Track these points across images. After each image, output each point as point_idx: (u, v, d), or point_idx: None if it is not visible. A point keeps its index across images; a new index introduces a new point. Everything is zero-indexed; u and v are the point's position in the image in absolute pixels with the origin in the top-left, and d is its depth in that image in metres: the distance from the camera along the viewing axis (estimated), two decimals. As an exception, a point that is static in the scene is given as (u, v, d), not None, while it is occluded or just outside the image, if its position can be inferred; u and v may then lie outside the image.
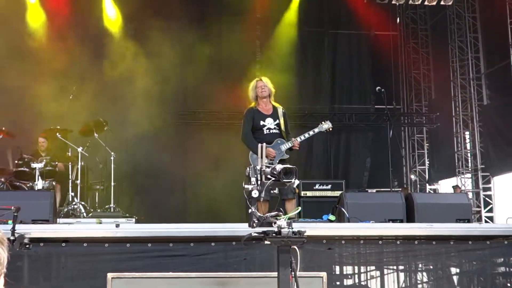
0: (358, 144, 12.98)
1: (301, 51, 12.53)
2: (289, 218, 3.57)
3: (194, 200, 11.60)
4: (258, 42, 12.36)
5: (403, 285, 5.05)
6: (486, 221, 11.65)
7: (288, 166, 3.52)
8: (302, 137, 6.56)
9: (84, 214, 8.21)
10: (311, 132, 6.64)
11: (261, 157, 3.64)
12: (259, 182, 3.51)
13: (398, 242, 5.02)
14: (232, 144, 11.61)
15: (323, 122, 6.84)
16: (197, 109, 12.02)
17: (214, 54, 11.96)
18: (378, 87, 8.11)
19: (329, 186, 9.12)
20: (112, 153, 8.99)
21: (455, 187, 11.94)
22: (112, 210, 8.59)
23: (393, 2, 12.05)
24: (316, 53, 12.76)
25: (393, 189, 8.64)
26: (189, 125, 11.97)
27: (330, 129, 6.84)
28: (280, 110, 6.62)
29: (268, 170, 3.48)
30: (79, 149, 8.69)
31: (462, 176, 12.58)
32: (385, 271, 5.06)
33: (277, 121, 6.54)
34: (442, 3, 12.05)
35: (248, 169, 3.82)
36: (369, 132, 12.94)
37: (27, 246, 4.33)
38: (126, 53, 11.43)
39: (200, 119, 12.05)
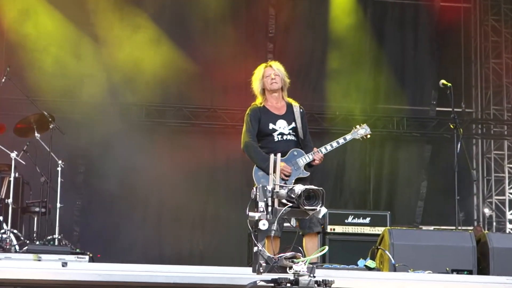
0: (410, 160, 12.95)
1: (332, 25, 12.54)
2: (311, 262, 3.57)
3: (175, 233, 11.58)
4: (272, 10, 12.39)
5: None
6: None
7: (312, 187, 3.52)
8: (329, 147, 6.58)
9: (17, 247, 8.21)
10: (341, 141, 6.64)
11: (274, 173, 3.65)
12: (270, 209, 3.52)
13: (465, 303, 5.00)
14: (229, 154, 11.61)
15: (358, 127, 6.85)
16: (181, 104, 12.03)
17: (206, 26, 11.99)
18: (442, 81, 8.09)
19: (367, 220, 9.09)
20: (60, 162, 9.00)
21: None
22: (56, 243, 8.60)
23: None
24: (354, 29, 12.74)
25: (459, 227, 8.59)
26: (170, 126, 11.97)
27: (368, 136, 6.84)
28: (297, 109, 6.65)
29: (283, 192, 3.49)
30: (13, 155, 8.70)
31: (559, 212, 12.50)
32: None
33: (293, 124, 6.57)
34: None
35: (254, 190, 3.81)
36: (427, 144, 12.91)
37: None
38: (86, 24, 11.50)
39: (185, 118, 12.06)
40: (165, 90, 11.81)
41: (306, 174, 6.47)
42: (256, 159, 6.39)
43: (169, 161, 11.46)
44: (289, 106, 6.65)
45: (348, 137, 6.73)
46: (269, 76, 6.60)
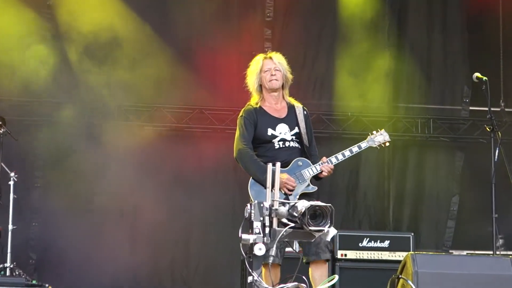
0: (437, 171, 12.95)
1: (343, 8, 12.54)
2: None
3: (153, 257, 11.56)
4: (270, -9, 12.42)
5: None
6: None
7: (319, 203, 3.54)
8: (340, 157, 6.65)
9: (-40, 278, 8.22)
10: (355, 149, 6.73)
11: (273, 187, 3.68)
12: (267, 230, 3.54)
13: None
14: (218, 164, 11.57)
15: (374, 133, 6.93)
16: (159, 104, 11.99)
17: (189, 7, 11.95)
18: (477, 74, 8.14)
19: (386, 243, 9.12)
20: (12, 174, 9.01)
21: None
22: (8, 273, 8.59)
23: None
24: (369, 13, 12.74)
25: (497, 252, 8.63)
26: (146, 129, 11.94)
27: (387, 144, 6.91)
28: (300, 110, 6.72)
29: (283, 209, 3.51)
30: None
31: None
32: None
33: (296, 130, 6.63)
34: None
35: (248, 207, 3.84)
36: (458, 151, 12.92)
37: None
38: (43, 7, 11.51)
39: (164, 120, 12.03)
40: (140, 86, 11.76)
41: (314, 188, 6.52)
42: (253, 170, 6.43)
43: (145, 172, 11.43)
44: (291, 108, 6.70)
45: (364, 145, 6.80)
46: (268, 71, 6.65)
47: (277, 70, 6.64)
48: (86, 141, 11.17)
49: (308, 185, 6.50)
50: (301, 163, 6.52)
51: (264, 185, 6.20)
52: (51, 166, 11.28)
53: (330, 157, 6.59)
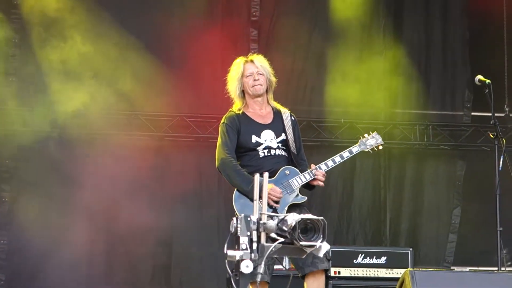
0: (437, 181, 12.99)
1: (335, 7, 12.56)
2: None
3: (131, 276, 11.53)
4: (257, -11, 12.43)
5: None
6: None
7: (311, 217, 3.55)
8: (330, 163, 6.68)
9: None
10: (345, 154, 6.77)
11: (260, 198, 3.70)
12: (255, 246, 3.54)
13: None
14: (201, 174, 11.56)
15: (366, 136, 6.97)
16: (136, 111, 11.94)
17: (169, 6, 11.95)
18: (479, 77, 8.18)
19: (382, 259, 9.14)
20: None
21: None
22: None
23: None
24: (363, 12, 12.75)
25: (503, 268, 8.65)
26: (123, 138, 11.91)
27: (380, 147, 6.96)
28: (287, 116, 6.75)
29: (272, 223, 3.51)
30: None
31: None
32: None
33: (283, 136, 6.66)
34: None
35: (234, 221, 3.85)
36: (459, 160, 12.96)
37: None
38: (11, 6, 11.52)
39: (142, 128, 12.00)
40: (115, 91, 11.71)
41: (303, 199, 6.53)
42: (237, 180, 6.44)
43: (122, 183, 11.35)
44: (277, 113, 6.72)
45: (355, 149, 6.84)
46: (251, 76, 6.67)
47: (260, 74, 6.66)
48: (56, 150, 11.14)
49: (297, 195, 6.50)
50: (288, 172, 6.54)
51: (249, 197, 6.23)
52: (18, 177, 11.22)
53: (319, 164, 6.60)
